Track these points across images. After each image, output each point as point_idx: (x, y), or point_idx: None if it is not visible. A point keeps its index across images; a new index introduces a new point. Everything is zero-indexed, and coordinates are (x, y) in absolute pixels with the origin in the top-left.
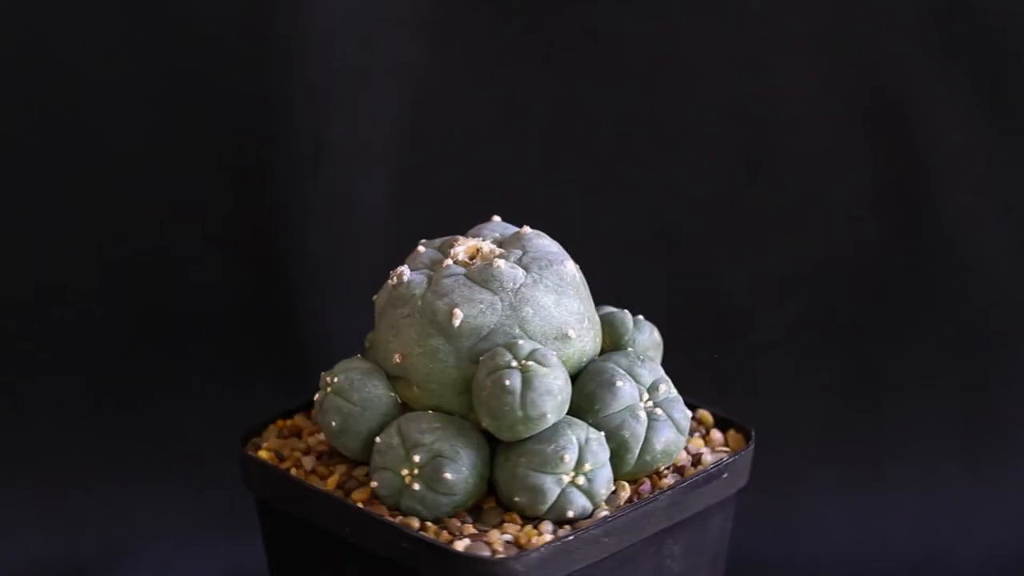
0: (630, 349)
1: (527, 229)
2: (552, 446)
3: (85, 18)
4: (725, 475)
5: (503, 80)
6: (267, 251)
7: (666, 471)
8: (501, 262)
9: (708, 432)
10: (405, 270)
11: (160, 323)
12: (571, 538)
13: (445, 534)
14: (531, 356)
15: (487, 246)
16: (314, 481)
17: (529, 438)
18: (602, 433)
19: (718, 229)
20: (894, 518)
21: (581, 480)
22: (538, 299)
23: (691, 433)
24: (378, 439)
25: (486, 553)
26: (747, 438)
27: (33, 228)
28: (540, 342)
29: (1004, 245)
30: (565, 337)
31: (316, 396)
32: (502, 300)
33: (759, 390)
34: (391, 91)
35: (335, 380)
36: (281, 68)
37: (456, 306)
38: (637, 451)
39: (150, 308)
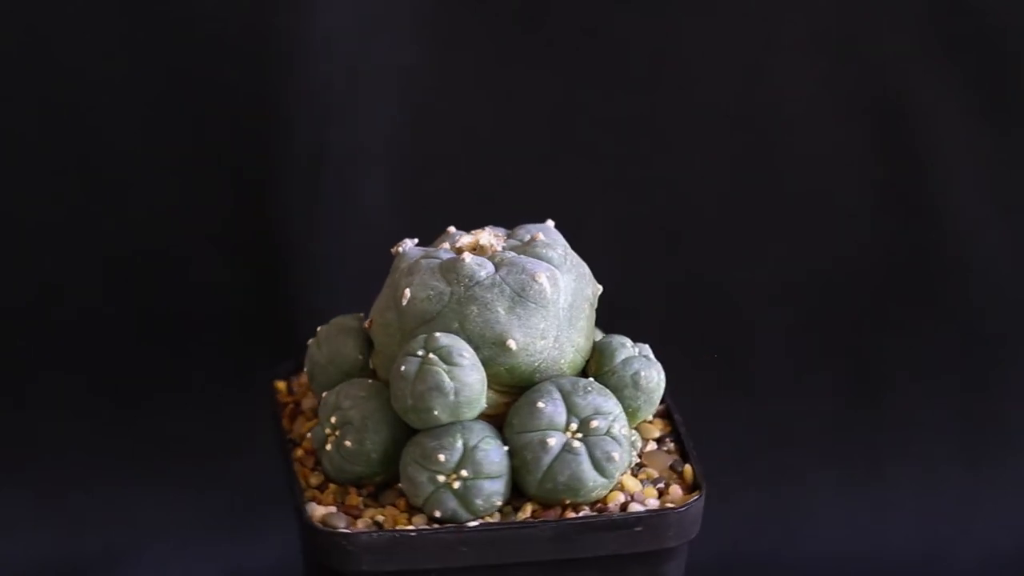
0: (590, 379)
1: (541, 237)
2: (434, 443)
3: (85, 18)
4: (638, 528)
5: (503, 80)
6: (267, 251)
7: (588, 507)
8: (469, 257)
9: (667, 486)
10: (408, 242)
11: (160, 323)
12: (414, 534)
13: (330, 500)
14: (441, 351)
15: (487, 240)
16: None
17: (426, 430)
18: (505, 448)
19: (718, 229)
20: (894, 518)
21: (457, 484)
22: (488, 301)
23: (655, 482)
24: (324, 394)
25: (340, 525)
26: (690, 496)
27: (33, 228)
28: (476, 344)
29: (1004, 245)
30: (503, 345)
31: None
32: (453, 293)
33: (759, 390)
34: (391, 91)
35: (318, 330)
36: (281, 68)
37: (408, 287)
38: (538, 476)
39: (150, 308)
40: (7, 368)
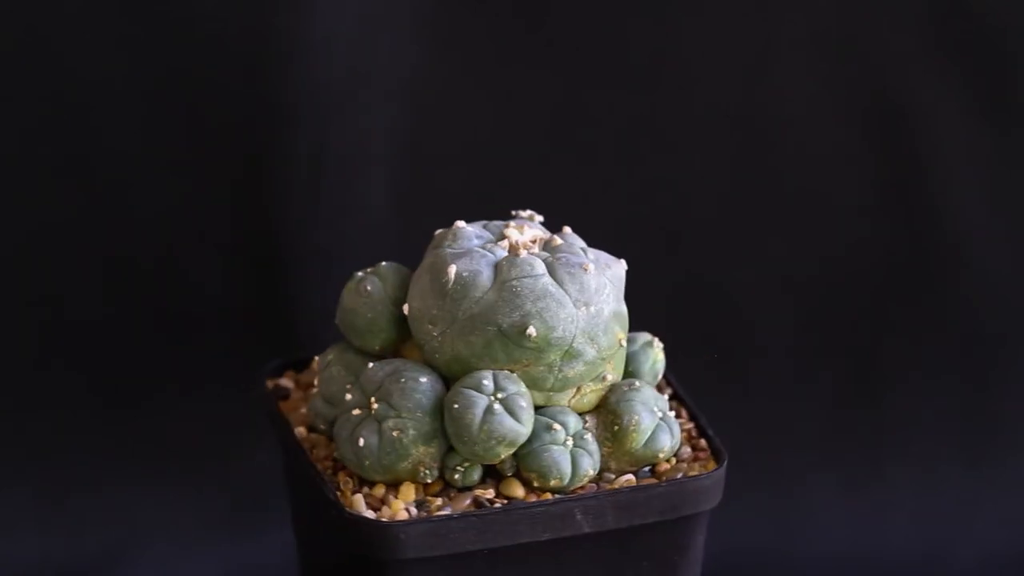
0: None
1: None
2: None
3: (85, 18)
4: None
5: (503, 80)
6: (267, 251)
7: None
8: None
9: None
10: (465, 225)
11: (160, 323)
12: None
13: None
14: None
15: (530, 235)
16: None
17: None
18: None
19: (718, 229)
20: (894, 518)
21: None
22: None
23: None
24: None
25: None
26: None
27: (34, 228)
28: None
29: (1004, 245)
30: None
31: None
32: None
33: (759, 390)
34: (391, 91)
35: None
36: (281, 68)
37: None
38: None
39: (150, 308)
40: (7, 368)
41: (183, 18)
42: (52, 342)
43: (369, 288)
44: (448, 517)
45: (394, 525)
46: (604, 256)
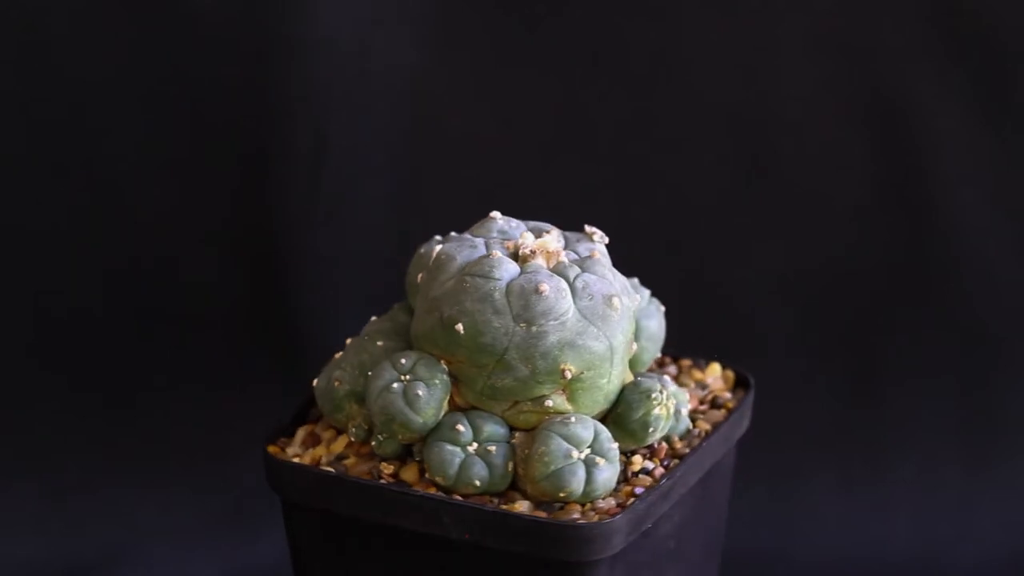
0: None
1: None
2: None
3: (85, 18)
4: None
5: (503, 80)
6: (267, 251)
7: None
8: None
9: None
10: (500, 217)
11: (160, 323)
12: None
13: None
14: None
15: (555, 246)
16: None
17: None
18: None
19: (718, 229)
20: (894, 518)
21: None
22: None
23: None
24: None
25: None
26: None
27: (34, 228)
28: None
29: (1004, 245)
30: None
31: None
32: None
33: (759, 390)
34: (391, 91)
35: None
36: (281, 68)
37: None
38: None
39: (150, 308)
40: (7, 368)
41: (183, 18)
42: (52, 342)
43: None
44: (327, 475)
45: (285, 465)
46: (618, 289)
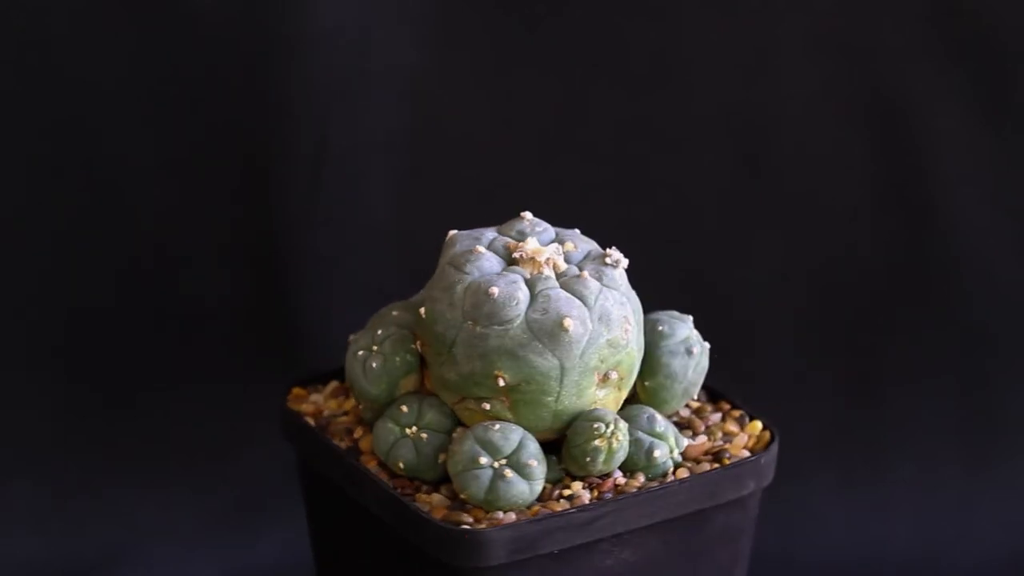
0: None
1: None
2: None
3: (85, 18)
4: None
5: (504, 80)
6: (268, 251)
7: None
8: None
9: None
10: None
11: (161, 323)
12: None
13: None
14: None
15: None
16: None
17: None
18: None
19: (718, 230)
20: (894, 518)
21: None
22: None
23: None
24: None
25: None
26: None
27: (34, 228)
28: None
29: (1004, 245)
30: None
31: None
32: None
33: (759, 390)
34: (392, 91)
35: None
36: (282, 69)
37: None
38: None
39: (151, 308)
40: (7, 368)
41: (184, 18)
42: (52, 342)
43: None
44: (305, 425)
45: (288, 410)
46: (574, 310)
